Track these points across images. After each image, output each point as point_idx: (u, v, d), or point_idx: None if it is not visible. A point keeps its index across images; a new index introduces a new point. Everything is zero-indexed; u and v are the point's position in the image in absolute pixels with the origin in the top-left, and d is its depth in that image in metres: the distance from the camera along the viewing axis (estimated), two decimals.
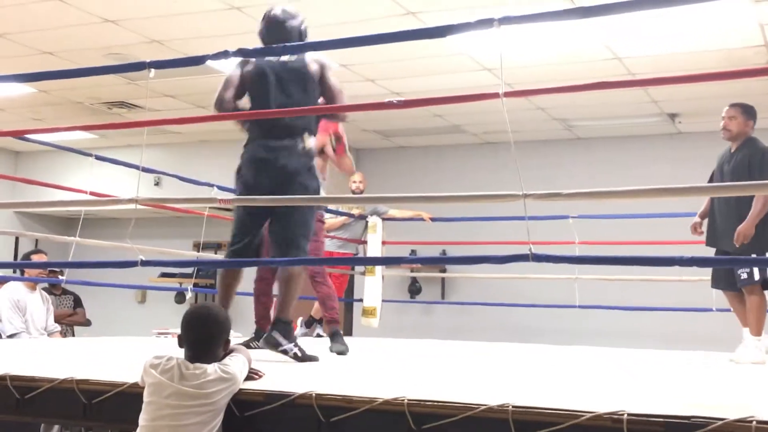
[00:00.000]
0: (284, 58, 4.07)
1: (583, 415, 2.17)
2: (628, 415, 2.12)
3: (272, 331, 3.92)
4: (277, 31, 4.14)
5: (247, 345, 4.56)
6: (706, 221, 5.47)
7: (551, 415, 2.22)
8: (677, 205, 7.18)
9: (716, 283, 5.41)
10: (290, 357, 3.84)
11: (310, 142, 4.07)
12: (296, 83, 4.08)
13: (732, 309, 5.39)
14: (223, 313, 2.79)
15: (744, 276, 4.99)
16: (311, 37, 4.34)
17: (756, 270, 4.95)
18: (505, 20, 2.97)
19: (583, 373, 3.94)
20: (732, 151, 5.38)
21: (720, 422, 2.02)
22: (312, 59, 4.17)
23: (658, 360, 5.23)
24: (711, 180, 5.47)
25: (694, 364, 4.93)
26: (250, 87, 4.09)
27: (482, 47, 7.28)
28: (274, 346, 3.86)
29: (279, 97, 4.02)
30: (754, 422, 1.98)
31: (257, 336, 4.75)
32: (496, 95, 3.02)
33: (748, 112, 5.39)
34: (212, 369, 2.57)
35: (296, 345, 3.88)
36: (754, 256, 5.00)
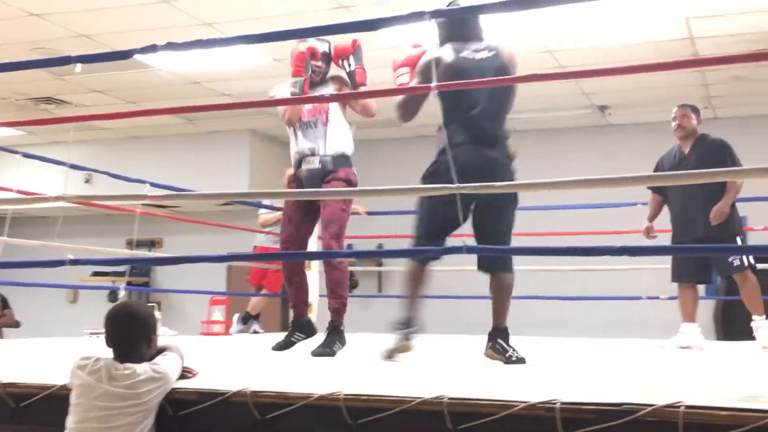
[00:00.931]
0: (481, 55, 3.83)
1: (517, 405, 2.18)
2: (561, 403, 2.14)
3: (497, 340, 3.76)
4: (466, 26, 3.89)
5: (288, 341, 4.56)
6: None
7: (486, 406, 2.23)
8: (609, 195, 7.31)
9: (682, 277, 5.49)
10: (513, 362, 3.68)
11: (514, 151, 3.88)
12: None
13: (681, 302, 5.50)
14: (145, 311, 2.73)
15: (737, 263, 5.23)
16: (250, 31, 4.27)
17: (745, 258, 5.22)
18: (437, 13, 2.96)
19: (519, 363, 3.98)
20: (686, 150, 5.51)
21: (650, 408, 2.05)
22: (507, 53, 3.92)
23: (592, 348, 5.31)
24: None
25: (627, 351, 5.02)
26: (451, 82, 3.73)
27: (417, 41, 7.29)
28: (503, 353, 3.71)
29: (481, 97, 3.79)
30: (683, 407, 2.02)
31: (297, 327, 4.64)
32: (428, 89, 3.02)
33: (696, 110, 5.60)
34: (142, 369, 2.52)
35: (514, 349, 3.74)
36: (738, 239, 5.32)
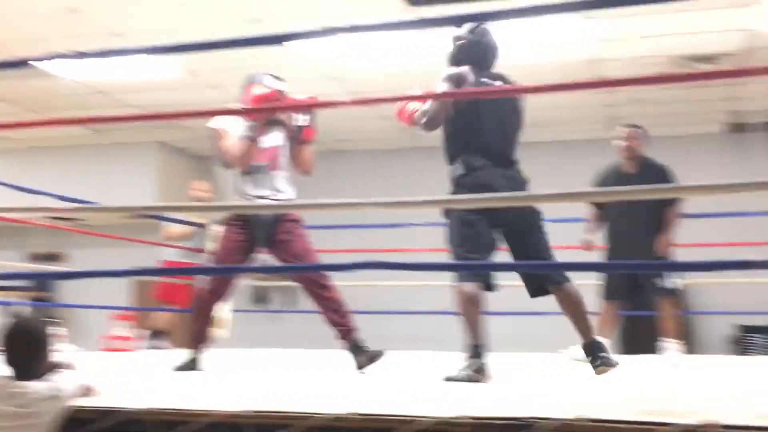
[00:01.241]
0: (497, 83, 3.96)
1: (427, 420, 2.19)
2: (470, 418, 2.16)
3: (600, 353, 3.75)
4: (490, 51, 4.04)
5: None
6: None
7: (393, 422, 2.23)
8: None
9: (613, 295, 5.61)
10: (610, 368, 3.71)
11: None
12: (511, 108, 3.97)
13: (602, 317, 5.59)
14: (42, 328, 2.64)
15: (667, 284, 5.40)
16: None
17: (669, 280, 5.40)
18: (348, 29, 2.97)
19: (428, 377, 4.00)
20: (631, 170, 5.61)
21: (557, 422, 2.08)
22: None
23: (497, 363, 5.36)
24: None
25: (534, 366, 5.09)
26: (464, 108, 3.87)
27: (327, 56, 7.30)
28: (613, 365, 3.72)
29: (495, 122, 3.88)
30: (586, 421, 2.06)
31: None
32: (343, 103, 3.01)
33: (644, 132, 5.73)
34: (39, 387, 2.43)
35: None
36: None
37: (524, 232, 3.85)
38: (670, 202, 5.48)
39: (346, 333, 4.29)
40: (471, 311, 3.70)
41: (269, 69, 7.69)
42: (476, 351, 3.65)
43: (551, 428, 2.06)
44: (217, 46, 4.33)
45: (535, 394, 3.11)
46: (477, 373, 3.57)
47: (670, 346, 5.43)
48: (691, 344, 9.62)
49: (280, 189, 4.41)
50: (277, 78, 4.40)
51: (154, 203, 10.49)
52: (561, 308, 3.89)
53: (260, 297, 11.19)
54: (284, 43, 3.36)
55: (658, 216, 5.48)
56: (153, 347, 7.48)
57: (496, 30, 3.94)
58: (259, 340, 9.52)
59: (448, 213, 3.86)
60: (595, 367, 3.74)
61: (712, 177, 4.75)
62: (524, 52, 7.34)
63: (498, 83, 3.97)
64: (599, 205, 5.69)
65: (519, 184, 3.85)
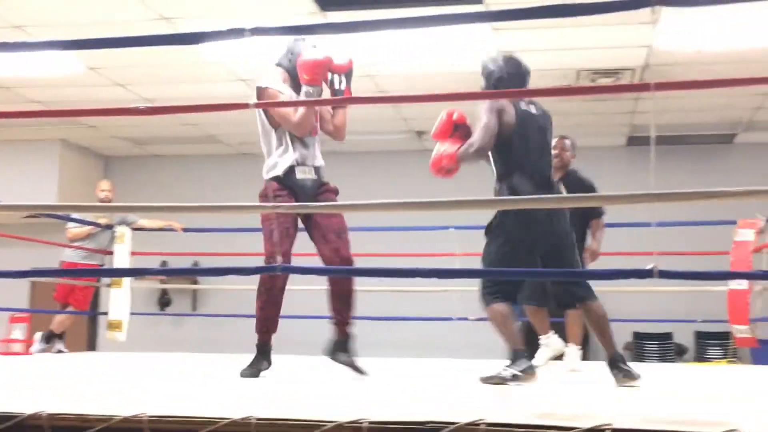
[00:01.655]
0: (533, 110, 4.20)
1: (325, 425, 2.19)
2: (368, 423, 2.17)
3: (621, 366, 3.91)
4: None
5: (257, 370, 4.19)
6: None
7: (295, 427, 2.23)
8: (424, 219, 7.51)
9: (534, 300, 5.62)
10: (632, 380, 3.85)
11: None
12: (547, 131, 4.24)
13: (533, 321, 5.67)
14: None
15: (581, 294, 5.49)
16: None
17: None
18: (256, 31, 2.95)
19: (330, 382, 4.00)
20: (557, 179, 5.61)
21: (453, 426, 2.11)
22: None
23: (403, 367, 5.42)
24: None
25: (434, 371, 5.15)
26: (513, 134, 4.08)
27: (237, 58, 7.25)
28: (635, 376, 3.87)
29: (541, 147, 4.15)
30: (483, 425, 2.09)
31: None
32: (245, 105, 3.00)
33: (575, 146, 5.93)
34: None
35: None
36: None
37: (561, 252, 4.12)
38: (594, 214, 5.68)
39: (343, 325, 4.27)
40: (508, 325, 4.00)
41: (178, 69, 7.66)
42: (520, 355, 3.91)
43: None
44: (125, 43, 4.27)
45: (432, 397, 3.15)
46: (524, 374, 3.83)
47: (573, 352, 5.59)
48: (589, 351, 9.90)
49: (318, 155, 4.34)
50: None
51: (55, 202, 10.22)
52: (587, 323, 4.24)
53: (164, 301, 11.00)
54: (200, 43, 3.32)
55: (582, 225, 5.61)
56: (50, 350, 7.27)
57: (401, 38, 3.99)
58: (161, 344, 9.38)
59: (492, 232, 4.09)
60: (617, 379, 3.91)
61: (612, 188, 4.90)
62: (433, 60, 7.44)
63: (533, 109, 4.22)
64: None
65: (565, 216, 4.15)
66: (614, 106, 8.99)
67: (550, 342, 5.60)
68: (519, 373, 3.82)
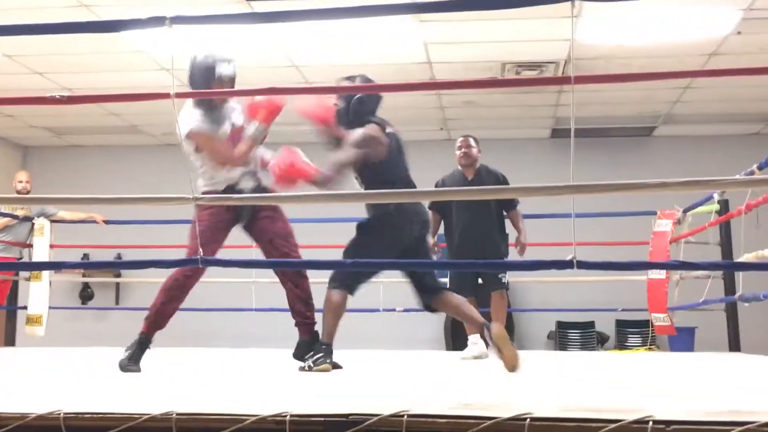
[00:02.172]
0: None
1: (247, 419, 2.17)
2: (291, 416, 2.16)
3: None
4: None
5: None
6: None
7: (216, 421, 2.20)
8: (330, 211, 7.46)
9: (461, 291, 5.75)
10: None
11: None
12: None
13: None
14: None
15: (504, 280, 5.86)
16: None
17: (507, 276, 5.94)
18: (177, 19, 2.90)
19: (252, 375, 3.98)
20: (469, 176, 5.95)
21: (375, 418, 2.11)
22: None
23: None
24: (440, 202, 5.93)
25: (358, 362, 5.16)
26: (387, 160, 4.29)
27: (159, 47, 7.12)
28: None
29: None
30: (406, 416, 2.10)
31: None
32: (167, 95, 2.95)
33: (478, 142, 6.06)
34: None
35: None
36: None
37: (416, 254, 4.27)
38: (509, 206, 5.96)
39: (308, 325, 4.31)
40: (336, 316, 4.16)
41: (99, 58, 7.49)
42: (327, 349, 4.10)
43: (375, 424, 2.09)
44: (43, 30, 4.16)
45: (357, 389, 3.15)
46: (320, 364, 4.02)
47: (477, 341, 5.68)
48: (514, 340, 10.05)
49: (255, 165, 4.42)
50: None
51: None
52: (447, 312, 4.50)
53: (86, 294, 10.78)
54: (120, 31, 3.24)
55: (498, 218, 5.94)
56: None
57: (327, 29, 3.99)
58: (84, 339, 9.18)
59: (363, 230, 4.25)
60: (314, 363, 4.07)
61: (536, 179, 4.99)
62: (360, 51, 7.43)
63: (391, 129, 4.40)
64: (439, 210, 5.99)
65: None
66: (538, 99, 9.12)
67: (478, 342, 5.70)
68: (315, 364, 4.03)
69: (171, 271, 4.08)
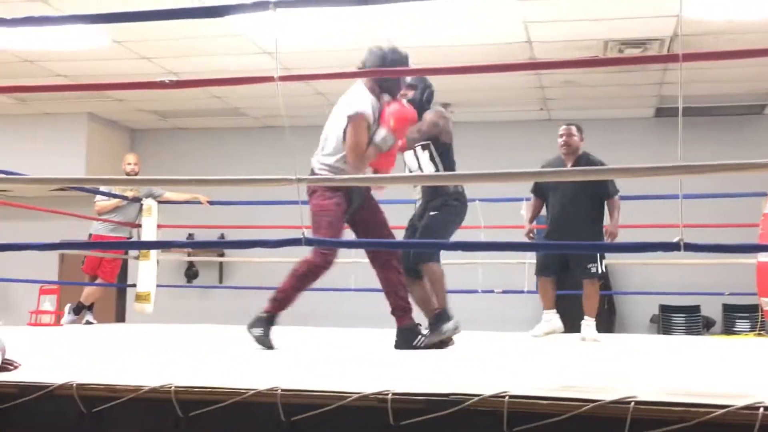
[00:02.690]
0: None
1: (349, 396, 2.21)
2: (393, 394, 2.18)
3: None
4: None
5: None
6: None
7: (320, 397, 2.25)
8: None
9: (544, 271, 5.95)
10: None
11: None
12: None
13: (541, 292, 6.00)
14: None
15: (594, 270, 5.78)
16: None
17: (600, 263, 5.78)
18: (281, 3, 2.94)
19: (354, 354, 4.03)
20: (568, 164, 5.90)
21: (476, 398, 2.12)
22: None
23: None
24: (541, 186, 6.02)
25: (461, 343, 5.16)
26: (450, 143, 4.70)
27: (262, 31, 7.23)
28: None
29: None
30: (507, 397, 2.10)
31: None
32: (270, 79, 3.00)
33: (581, 130, 6.02)
34: None
35: None
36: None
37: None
38: (606, 194, 5.82)
39: (404, 312, 4.32)
40: (443, 285, 4.47)
41: (203, 42, 7.66)
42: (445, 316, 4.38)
43: (476, 404, 2.10)
44: (150, 17, 4.27)
45: (457, 369, 3.16)
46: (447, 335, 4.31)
47: (590, 323, 5.78)
48: (616, 324, 9.87)
49: None
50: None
51: (83, 175, 10.31)
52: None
53: (191, 273, 11.10)
54: (225, 15, 3.30)
55: (594, 205, 5.85)
56: (79, 321, 7.37)
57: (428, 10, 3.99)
58: (188, 316, 9.46)
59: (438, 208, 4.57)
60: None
61: (640, 160, 4.87)
62: (459, 32, 7.38)
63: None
64: (541, 193, 6.03)
65: None
66: (642, 77, 8.88)
67: (551, 319, 5.88)
68: (444, 335, 4.29)
69: (275, 251, 4.14)
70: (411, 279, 4.41)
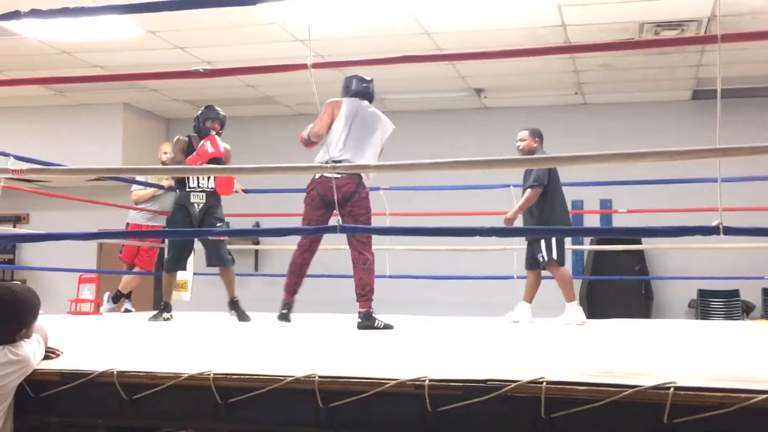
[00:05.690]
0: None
1: (387, 383, 2.21)
2: (430, 380, 2.18)
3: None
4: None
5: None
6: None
7: (357, 384, 2.26)
8: (483, 177, 7.47)
9: (526, 265, 6.15)
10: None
11: None
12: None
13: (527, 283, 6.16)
14: (26, 295, 2.60)
15: (540, 259, 5.88)
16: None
17: (545, 252, 5.83)
18: None
19: (390, 340, 4.04)
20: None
21: (513, 384, 2.12)
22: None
23: (462, 326, 5.43)
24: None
25: (494, 329, 5.15)
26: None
27: (294, 18, 7.24)
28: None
29: None
30: (544, 383, 2.10)
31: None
32: (304, 66, 3.00)
33: (535, 133, 6.06)
34: (3, 352, 2.42)
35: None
36: (542, 240, 5.84)
37: None
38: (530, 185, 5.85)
39: (366, 295, 4.70)
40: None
41: (236, 31, 7.68)
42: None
43: (513, 390, 2.10)
44: (183, 6, 4.28)
45: (493, 356, 3.15)
46: None
47: (571, 309, 5.90)
48: (653, 309, 9.78)
49: None
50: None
51: (119, 165, 10.40)
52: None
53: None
54: (257, 3, 3.31)
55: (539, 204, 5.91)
56: (118, 310, 7.45)
57: None
58: (225, 304, 9.52)
59: None
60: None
61: (676, 143, 4.81)
62: (492, 16, 7.33)
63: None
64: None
65: None
66: (679, 60, 8.76)
67: (575, 311, 5.92)
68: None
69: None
70: None
